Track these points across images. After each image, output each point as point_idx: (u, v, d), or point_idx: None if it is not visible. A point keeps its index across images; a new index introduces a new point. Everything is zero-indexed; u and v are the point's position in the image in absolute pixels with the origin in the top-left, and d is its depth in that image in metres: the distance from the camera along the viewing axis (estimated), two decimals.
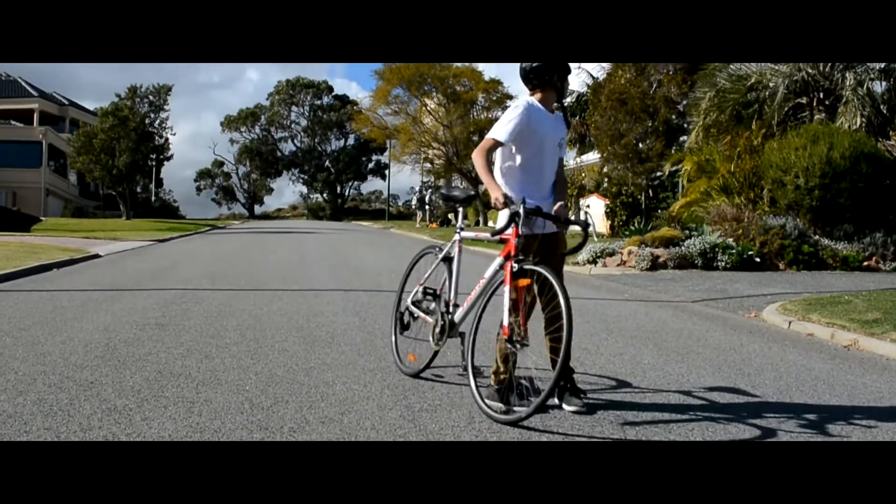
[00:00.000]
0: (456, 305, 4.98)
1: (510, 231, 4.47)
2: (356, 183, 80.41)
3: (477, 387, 4.46)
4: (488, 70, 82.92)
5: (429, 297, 5.23)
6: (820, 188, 15.11)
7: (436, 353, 5.20)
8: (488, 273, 4.68)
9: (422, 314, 5.27)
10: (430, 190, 45.84)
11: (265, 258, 16.73)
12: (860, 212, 15.41)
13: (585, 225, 4.68)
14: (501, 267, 4.55)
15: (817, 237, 15.24)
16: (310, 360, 5.84)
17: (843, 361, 6.50)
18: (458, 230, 5.21)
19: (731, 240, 14.61)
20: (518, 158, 4.72)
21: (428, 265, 5.42)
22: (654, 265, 14.27)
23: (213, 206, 77.90)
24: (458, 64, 42.61)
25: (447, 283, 5.13)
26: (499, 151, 4.78)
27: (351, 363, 5.79)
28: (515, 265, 4.40)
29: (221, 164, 78.75)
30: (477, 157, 4.61)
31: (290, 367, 5.61)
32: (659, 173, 26.24)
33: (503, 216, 4.53)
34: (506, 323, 4.40)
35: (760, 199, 17.44)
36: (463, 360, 4.66)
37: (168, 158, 52.57)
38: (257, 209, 79.65)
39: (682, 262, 14.28)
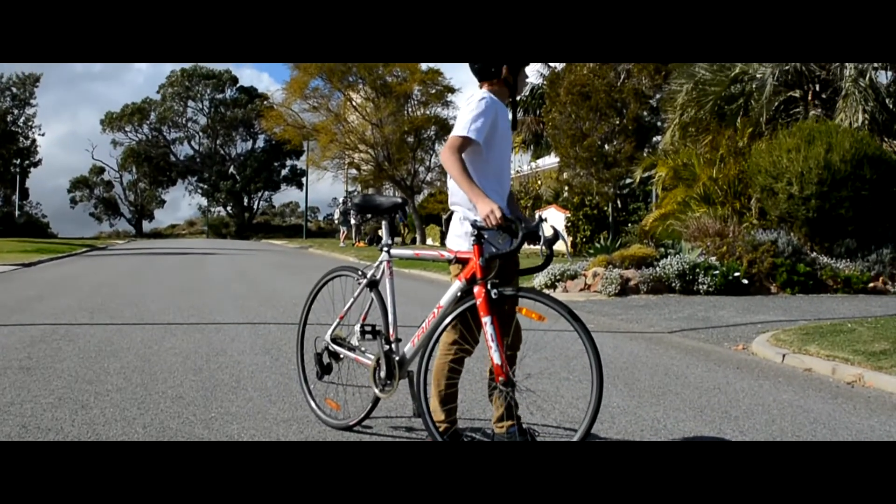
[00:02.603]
0: (398, 339, 4.91)
1: (470, 250, 4.44)
2: (267, 193, 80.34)
3: (438, 431, 4.44)
4: None
5: (368, 336, 5.08)
6: (817, 197, 15.33)
7: (378, 400, 5.11)
8: (444, 300, 4.60)
9: (351, 354, 5.19)
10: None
11: (156, 285, 16.47)
12: (864, 224, 15.66)
13: (553, 239, 4.48)
14: (466, 293, 4.50)
15: (815, 255, 15.49)
16: (210, 410, 5.77)
17: (847, 401, 6.61)
18: (382, 248, 5.10)
19: (713, 258, 14.81)
20: (483, 161, 4.60)
21: (345, 291, 5.34)
22: (624, 289, 14.40)
23: (92, 222, 77.18)
24: None
25: (381, 314, 5.02)
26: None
27: (260, 412, 5.74)
28: (494, 291, 4.35)
29: (102, 170, 77.98)
30: (450, 160, 4.43)
31: (186, 418, 5.54)
32: (629, 180, 26.48)
33: (459, 231, 4.54)
34: (497, 361, 4.34)
35: (748, 211, 17.71)
36: (415, 401, 4.55)
37: (35, 164, 51.93)
38: (147, 226, 78.99)
39: (656, 286, 14.44)
